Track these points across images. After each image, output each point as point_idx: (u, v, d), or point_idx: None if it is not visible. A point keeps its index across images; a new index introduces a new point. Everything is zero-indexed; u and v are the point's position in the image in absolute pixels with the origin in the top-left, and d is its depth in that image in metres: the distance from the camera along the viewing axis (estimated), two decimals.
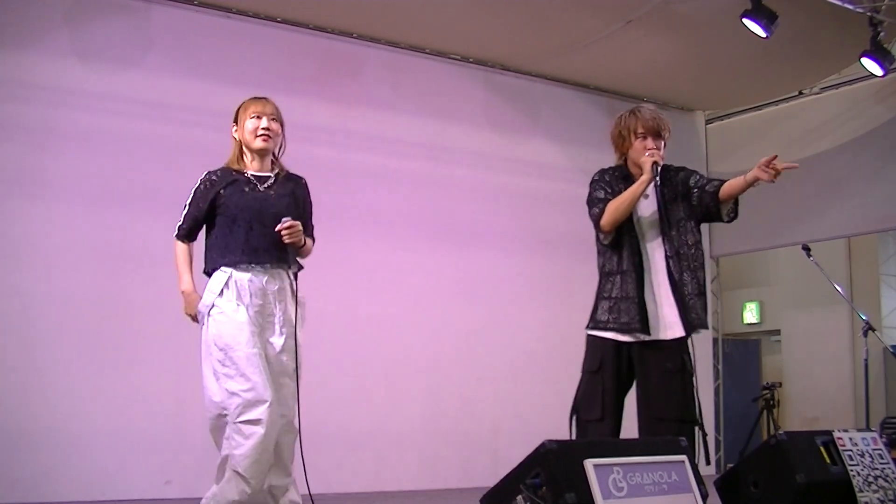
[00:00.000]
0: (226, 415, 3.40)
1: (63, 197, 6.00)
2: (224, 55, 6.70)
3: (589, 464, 2.97)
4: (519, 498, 3.00)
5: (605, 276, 3.83)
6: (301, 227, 3.57)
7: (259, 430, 3.33)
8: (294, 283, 3.65)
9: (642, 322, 3.72)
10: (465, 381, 7.42)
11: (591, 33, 7.22)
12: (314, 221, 3.85)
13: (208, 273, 3.60)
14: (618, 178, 3.87)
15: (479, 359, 7.52)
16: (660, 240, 3.79)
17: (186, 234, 3.65)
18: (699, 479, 3.34)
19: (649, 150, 3.77)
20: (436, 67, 7.72)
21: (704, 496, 3.34)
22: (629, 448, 3.26)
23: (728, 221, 3.85)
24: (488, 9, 6.87)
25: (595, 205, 3.81)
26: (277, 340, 3.52)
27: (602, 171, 3.95)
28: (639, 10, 6.80)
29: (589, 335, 3.85)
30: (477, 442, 7.36)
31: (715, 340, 9.39)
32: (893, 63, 6.96)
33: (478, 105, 7.90)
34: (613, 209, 3.73)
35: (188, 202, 3.66)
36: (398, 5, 6.81)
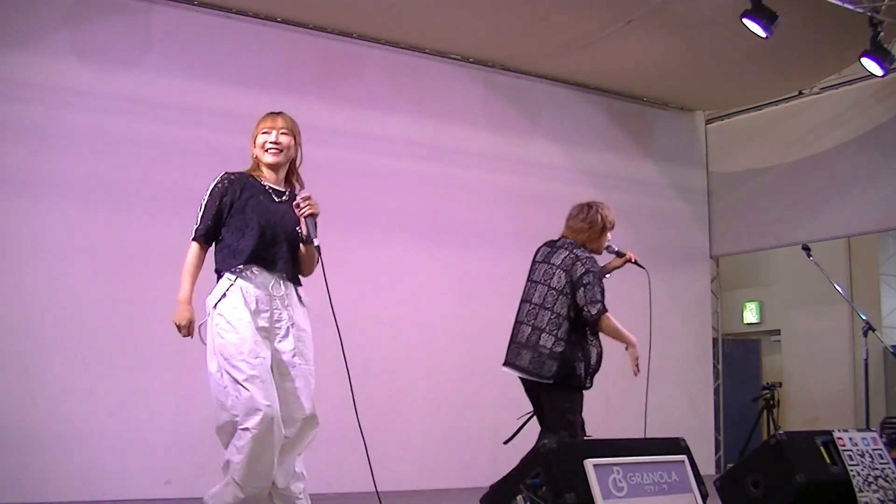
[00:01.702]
0: (236, 417, 3.36)
1: (63, 197, 6.00)
2: (224, 55, 6.70)
3: (589, 464, 2.97)
4: (519, 498, 3.01)
5: (578, 343, 4.48)
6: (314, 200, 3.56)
7: (250, 440, 3.31)
8: (298, 289, 3.66)
9: None
10: (465, 380, 7.42)
11: (591, 33, 7.22)
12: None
13: (218, 272, 3.57)
14: None
15: (479, 358, 7.50)
16: None
17: (204, 236, 3.54)
18: (699, 479, 3.35)
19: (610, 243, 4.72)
20: (436, 67, 7.72)
21: (704, 496, 3.34)
22: (629, 448, 3.26)
23: None
24: (488, 9, 6.87)
25: (600, 302, 4.43)
26: (286, 345, 3.51)
27: (586, 255, 4.59)
28: (639, 10, 6.80)
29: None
30: (477, 442, 7.35)
31: (715, 340, 9.39)
32: (893, 63, 6.95)
33: (477, 105, 7.90)
34: (608, 329, 4.46)
35: (205, 202, 3.55)
36: (398, 5, 6.81)
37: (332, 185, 7.01)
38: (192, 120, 6.43)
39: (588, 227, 4.64)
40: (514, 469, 3.18)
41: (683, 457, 3.34)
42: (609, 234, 4.66)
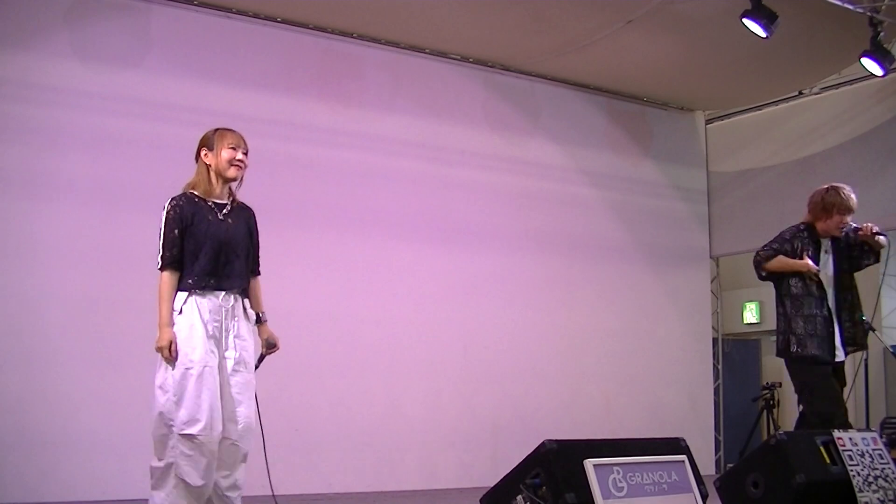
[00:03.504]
0: (171, 424, 3.58)
1: (63, 197, 6.00)
2: (224, 55, 6.70)
3: (589, 464, 2.97)
4: (519, 498, 3.01)
5: (796, 317, 4.98)
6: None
7: (198, 445, 3.55)
8: (245, 301, 3.85)
9: None
10: (465, 381, 7.42)
11: (591, 33, 7.22)
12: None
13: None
14: (808, 239, 5.03)
15: (479, 359, 7.51)
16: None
17: (171, 262, 3.75)
18: (699, 479, 3.35)
19: (844, 224, 5.00)
20: (436, 67, 7.72)
21: (704, 496, 3.34)
22: (629, 448, 3.26)
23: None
24: (488, 9, 6.87)
25: (768, 247, 4.95)
26: (231, 353, 3.74)
27: (798, 228, 5.04)
28: (639, 10, 6.80)
29: None
30: (477, 442, 7.36)
31: (715, 340, 9.39)
32: (893, 63, 6.95)
33: (478, 105, 7.90)
34: (780, 265, 4.94)
35: (163, 230, 3.77)
36: (398, 5, 6.81)
37: (332, 185, 7.03)
38: (192, 120, 6.42)
39: (812, 206, 5.05)
40: (514, 469, 3.18)
41: (683, 457, 3.34)
42: (846, 217, 4.96)
